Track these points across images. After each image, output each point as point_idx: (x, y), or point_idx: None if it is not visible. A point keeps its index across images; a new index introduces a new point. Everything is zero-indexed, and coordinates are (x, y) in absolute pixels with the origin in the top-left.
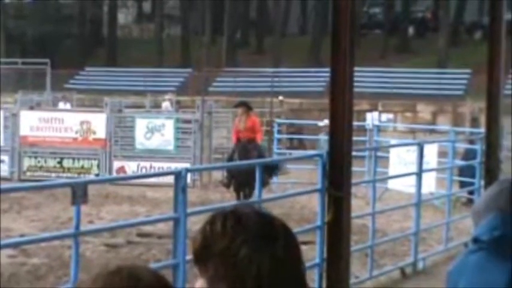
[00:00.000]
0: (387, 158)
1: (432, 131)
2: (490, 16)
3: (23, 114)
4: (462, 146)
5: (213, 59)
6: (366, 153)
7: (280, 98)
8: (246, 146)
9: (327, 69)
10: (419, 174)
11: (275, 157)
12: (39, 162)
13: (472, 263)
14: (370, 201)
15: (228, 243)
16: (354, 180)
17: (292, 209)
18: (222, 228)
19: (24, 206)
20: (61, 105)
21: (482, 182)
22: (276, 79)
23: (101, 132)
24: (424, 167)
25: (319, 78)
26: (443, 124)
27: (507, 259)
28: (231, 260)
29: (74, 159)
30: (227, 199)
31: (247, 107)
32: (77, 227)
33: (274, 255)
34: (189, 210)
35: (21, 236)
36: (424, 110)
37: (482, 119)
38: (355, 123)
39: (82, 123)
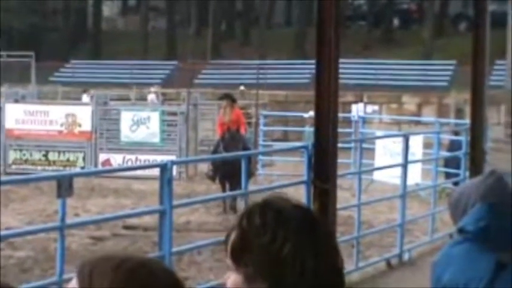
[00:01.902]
0: (373, 149)
1: (417, 123)
2: (475, 8)
3: (8, 107)
4: (447, 137)
5: (198, 52)
6: (352, 145)
7: (242, 88)
8: (232, 136)
9: (313, 61)
10: (404, 165)
11: (260, 149)
12: (24, 155)
13: (457, 253)
14: (355, 192)
15: (270, 238)
16: (339, 172)
17: None
18: (262, 222)
19: (10, 199)
20: (84, 98)
21: (468, 173)
22: (262, 71)
23: (86, 125)
24: (410, 158)
25: (304, 70)
26: (429, 115)
27: (492, 249)
28: (273, 256)
29: (59, 152)
30: (213, 191)
31: (231, 100)
32: (63, 220)
33: (317, 249)
34: (175, 202)
35: (7, 229)
36: (409, 102)
37: (467, 110)
38: (340, 114)
39: (67, 116)
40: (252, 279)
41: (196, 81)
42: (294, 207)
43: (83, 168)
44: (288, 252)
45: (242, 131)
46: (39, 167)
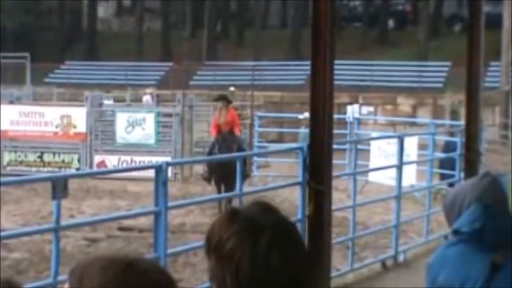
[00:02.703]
0: (368, 150)
1: (412, 124)
2: (469, 9)
3: (3, 108)
4: (442, 139)
5: (193, 53)
6: (347, 146)
7: (232, 88)
8: (226, 137)
9: (308, 62)
10: (399, 166)
11: (256, 150)
12: (19, 156)
13: (452, 254)
14: (350, 193)
15: (219, 239)
16: (334, 173)
17: (273, 202)
18: (218, 225)
19: (5, 201)
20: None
21: (463, 174)
22: (257, 72)
23: (81, 126)
24: (405, 159)
25: (299, 71)
26: (423, 116)
27: (487, 250)
28: (218, 255)
29: (54, 153)
30: (208, 192)
31: (227, 101)
32: (57, 221)
33: (256, 249)
34: (170, 203)
35: (2, 230)
36: (404, 103)
37: (462, 112)
38: (335, 116)
39: (62, 117)
40: (210, 279)
41: (192, 82)
42: (251, 210)
43: (78, 169)
44: (228, 250)
45: (237, 132)
46: (34, 169)
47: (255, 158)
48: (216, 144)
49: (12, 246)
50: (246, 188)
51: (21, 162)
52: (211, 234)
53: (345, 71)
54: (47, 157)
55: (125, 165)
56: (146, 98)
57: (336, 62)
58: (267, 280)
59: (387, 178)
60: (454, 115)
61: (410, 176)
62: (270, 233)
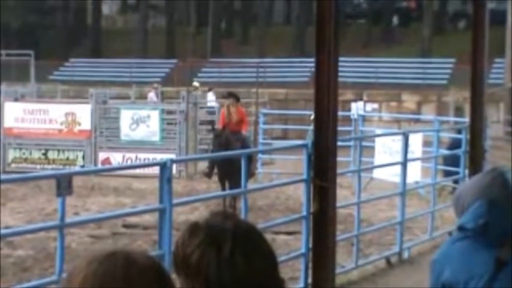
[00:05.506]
0: (372, 147)
1: (417, 121)
2: (474, 5)
3: (8, 105)
4: (447, 135)
5: (198, 50)
6: (351, 143)
7: (195, 83)
8: (218, 134)
9: (312, 59)
10: (404, 163)
11: (260, 147)
12: (24, 154)
13: (457, 251)
14: (355, 190)
15: (183, 252)
16: (339, 170)
17: (278, 199)
18: (181, 241)
19: (9, 198)
20: (210, 96)
21: (467, 171)
22: (261, 69)
23: (86, 124)
24: (409, 156)
25: (304, 68)
26: (428, 113)
27: (492, 246)
28: (186, 271)
29: (59, 150)
30: (213, 189)
31: (236, 98)
32: (62, 218)
33: (220, 259)
34: (175, 200)
35: (7, 228)
36: (409, 100)
37: (467, 108)
38: (339, 113)
39: (67, 114)
40: None
41: (196, 79)
42: (209, 221)
43: (82, 166)
44: (194, 263)
45: (244, 129)
46: (38, 166)
47: (260, 155)
48: (217, 142)
49: (16, 244)
50: (251, 185)
51: (25, 160)
52: (176, 252)
53: (349, 67)
54: (52, 154)
55: (129, 162)
56: (151, 95)
57: (340, 58)
58: (236, 285)
59: (392, 175)
60: (459, 112)
61: (414, 173)
62: (231, 239)
